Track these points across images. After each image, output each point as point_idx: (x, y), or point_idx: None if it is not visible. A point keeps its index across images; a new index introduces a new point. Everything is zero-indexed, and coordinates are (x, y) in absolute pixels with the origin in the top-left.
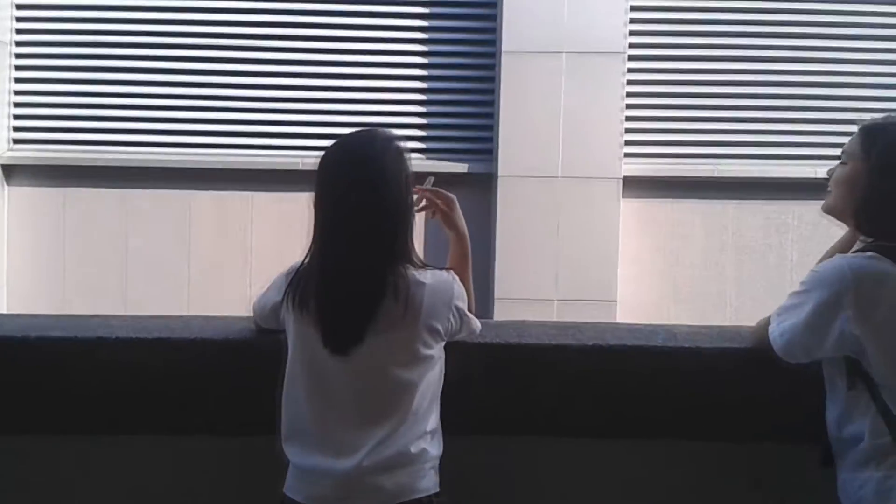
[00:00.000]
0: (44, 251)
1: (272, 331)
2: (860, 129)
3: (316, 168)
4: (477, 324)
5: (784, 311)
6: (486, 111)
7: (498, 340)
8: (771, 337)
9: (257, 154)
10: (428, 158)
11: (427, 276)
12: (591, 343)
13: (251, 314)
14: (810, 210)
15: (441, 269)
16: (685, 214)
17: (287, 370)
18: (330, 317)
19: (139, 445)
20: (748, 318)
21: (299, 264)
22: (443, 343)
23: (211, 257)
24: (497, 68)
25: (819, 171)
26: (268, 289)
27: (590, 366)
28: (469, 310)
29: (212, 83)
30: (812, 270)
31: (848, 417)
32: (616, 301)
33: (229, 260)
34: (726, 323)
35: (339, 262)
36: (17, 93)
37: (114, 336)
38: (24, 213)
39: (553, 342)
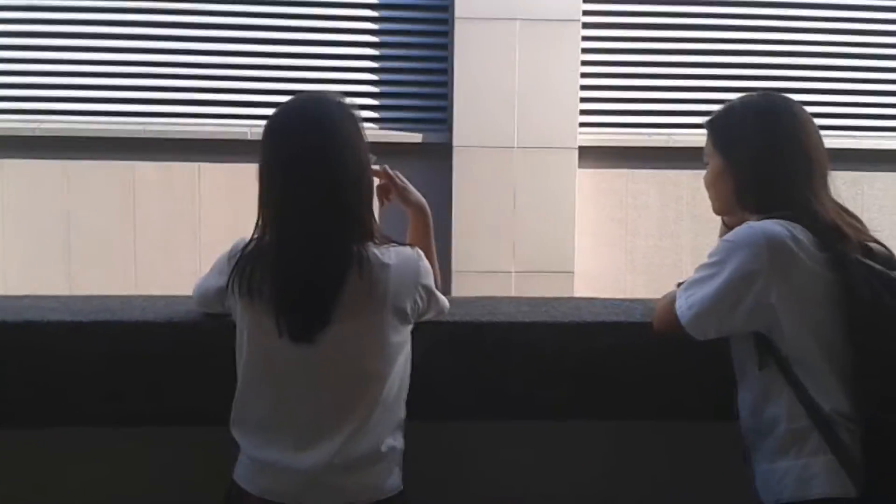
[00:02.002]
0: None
1: (218, 314)
2: (706, 127)
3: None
4: (445, 302)
5: (692, 284)
6: (441, 80)
7: (468, 318)
8: (679, 311)
9: (204, 123)
10: (381, 128)
11: (391, 256)
12: (566, 320)
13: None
14: None
15: (403, 244)
16: (641, 184)
17: (241, 357)
18: (289, 301)
19: (77, 439)
20: None
21: (244, 243)
22: (410, 326)
23: (158, 230)
24: (450, 36)
25: None
26: (209, 271)
27: (566, 344)
28: (436, 287)
29: (156, 49)
30: (722, 240)
31: (763, 401)
32: (573, 272)
33: (177, 233)
34: None
35: (295, 240)
36: None
37: (45, 319)
38: None
39: (526, 320)
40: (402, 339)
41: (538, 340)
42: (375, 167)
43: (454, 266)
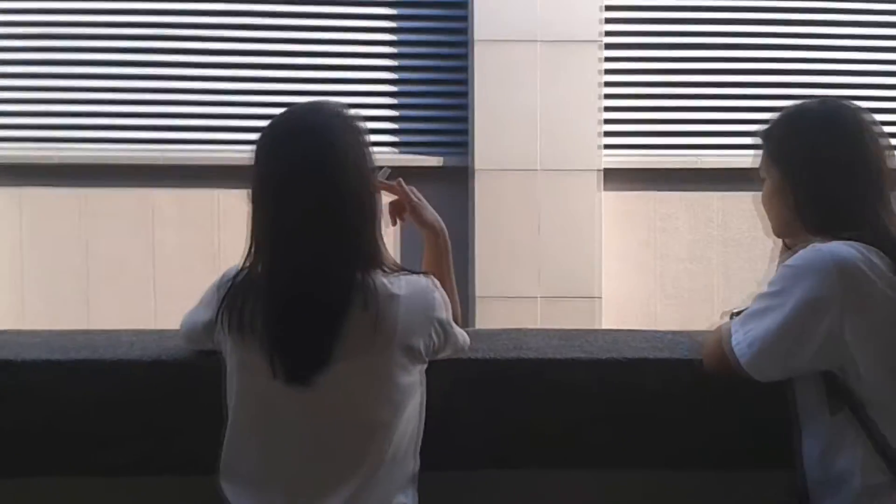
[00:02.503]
0: (0, 253)
1: (210, 351)
2: (761, 138)
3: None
4: (464, 338)
5: (751, 317)
6: (461, 102)
7: (491, 354)
8: (736, 349)
9: (222, 150)
10: (401, 152)
11: (401, 286)
12: (604, 356)
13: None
14: None
15: (417, 273)
16: (669, 207)
17: (231, 401)
18: (283, 339)
19: (54, 490)
20: None
21: (234, 273)
22: (423, 366)
23: (176, 257)
24: (470, 58)
25: None
26: (198, 303)
27: (604, 383)
28: (454, 320)
29: (173, 76)
30: (784, 266)
31: (833, 451)
32: (601, 298)
33: (196, 261)
34: (714, 317)
35: (290, 270)
36: None
37: (20, 358)
38: None
39: (558, 356)
40: (412, 382)
41: (572, 379)
42: (388, 181)
43: (476, 292)
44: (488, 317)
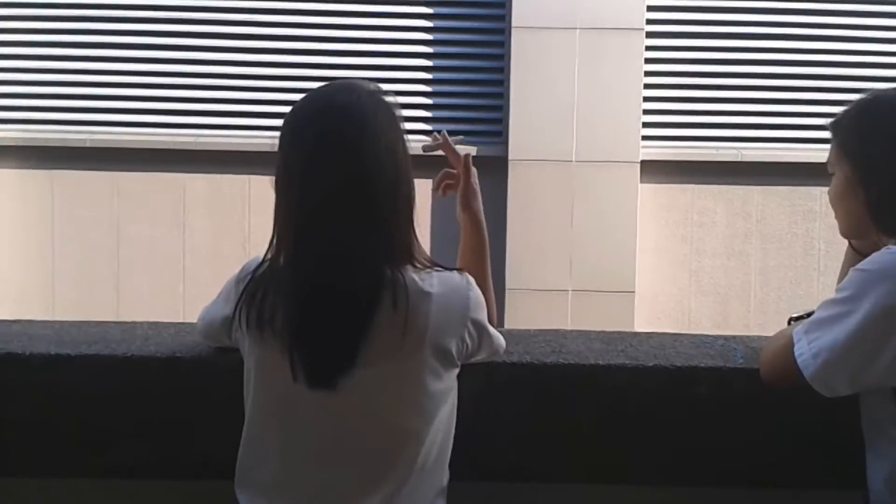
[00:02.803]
0: (32, 237)
1: (229, 348)
2: (831, 129)
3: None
4: (500, 341)
5: (817, 325)
6: (496, 91)
7: (528, 359)
8: (800, 361)
9: (254, 135)
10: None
11: (433, 283)
12: (651, 363)
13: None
14: None
15: (450, 269)
16: (707, 201)
17: (248, 403)
18: (306, 339)
19: (58, 492)
20: (773, 311)
21: (255, 265)
22: (456, 370)
23: (207, 243)
24: (507, 45)
25: None
26: (217, 297)
27: (651, 393)
28: (490, 321)
29: (206, 60)
30: (855, 270)
31: None
32: (634, 292)
33: (226, 246)
34: (750, 316)
35: (313, 261)
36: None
37: (27, 352)
38: (11, 196)
39: (601, 361)
40: (445, 388)
41: (615, 387)
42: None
43: (507, 284)
44: (519, 310)
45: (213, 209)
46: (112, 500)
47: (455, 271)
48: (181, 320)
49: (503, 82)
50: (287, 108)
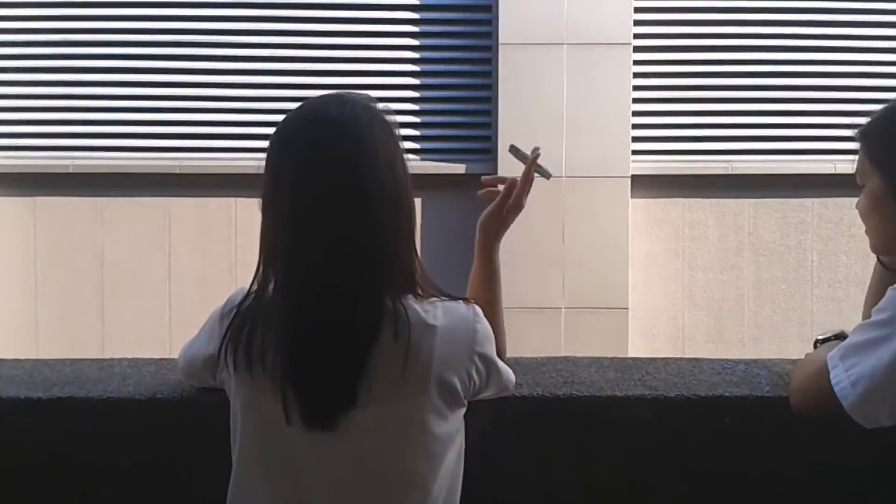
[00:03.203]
0: (15, 264)
1: (213, 388)
2: (858, 138)
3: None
4: (510, 376)
5: (854, 350)
6: (484, 108)
7: (539, 391)
8: (837, 389)
9: (240, 157)
10: (422, 159)
11: (437, 315)
12: (672, 394)
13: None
14: (830, 208)
15: (457, 298)
16: (698, 214)
17: (235, 449)
18: (301, 377)
19: None
20: (767, 325)
21: (241, 297)
22: (462, 409)
23: (193, 267)
24: (494, 62)
25: (839, 166)
26: (199, 332)
27: (671, 426)
28: (499, 354)
29: (190, 83)
30: (893, 289)
31: None
32: (628, 309)
33: (212, 270)
34: (744, 330)
35: (305, 290)
36: None
37: None
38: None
39: (617, 392)
40: (451, 429)
41: (634, 420)
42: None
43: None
44: (511, 328)
45: (198, 233)
46: None
47: (461, 301)
48: (167, 347)
49: (490, 100)
50: (271, 130)
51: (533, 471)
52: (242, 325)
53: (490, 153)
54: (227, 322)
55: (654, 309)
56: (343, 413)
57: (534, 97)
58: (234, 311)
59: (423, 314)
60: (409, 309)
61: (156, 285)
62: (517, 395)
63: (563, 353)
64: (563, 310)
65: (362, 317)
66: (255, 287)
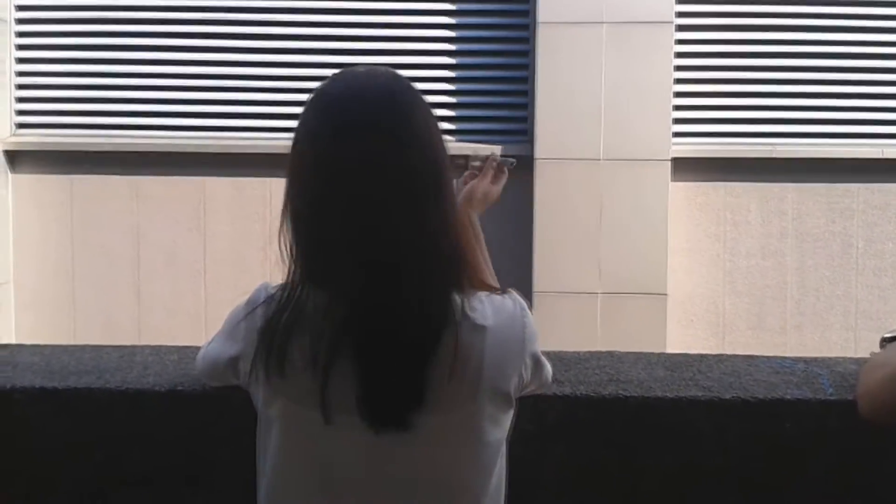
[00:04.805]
0: (51, 242)
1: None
2: None
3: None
4: (550, 369)
5: None
6: (520, 88)
7: (582, 390)
8: None
9: (276, 137)
10: (458, 140)
11: (486, 314)
12: (728, 395)
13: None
14: (877, 193)
15: (498, 292)
16: (741, 198)
17: (269, 458)
18: (364, 380)
19: None
20: (810, 312)
21: (265, 295)
22: (512, 411)
23: (228, 247)
24: (532, 41)
25: (887, 150)
26: (219, 333)
27: (726, 430)
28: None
29: (226, 61)
30: None
31: None
32: (663, 294)
33: (247, 250)
34: (786, 318)
35: (361, 293)
36: (20, 73)
37: (9, 385)
38: (30, 201)
39: (668, 393)
40: (500, 437)
41: (685, 424)
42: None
43: (535, 287)
44: (547, 313)
45: (233, 212)
46: None
47: (506, 296)
48: (202, 324)
49: (526, 80)
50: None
51: (573, 477)
52: (274, 329)
53: (524, 134)
54: (252, 325)
55: (694, 295)
56: (393, 429)
57: (573, 77)
58: (261, 313)
59: (472, 315)
60: (459, 307)
61: (191, 264)
62: (560, 394)
63: (599, 338)
64: (599, 295)
65: (419, 327)
66: (288, 288)
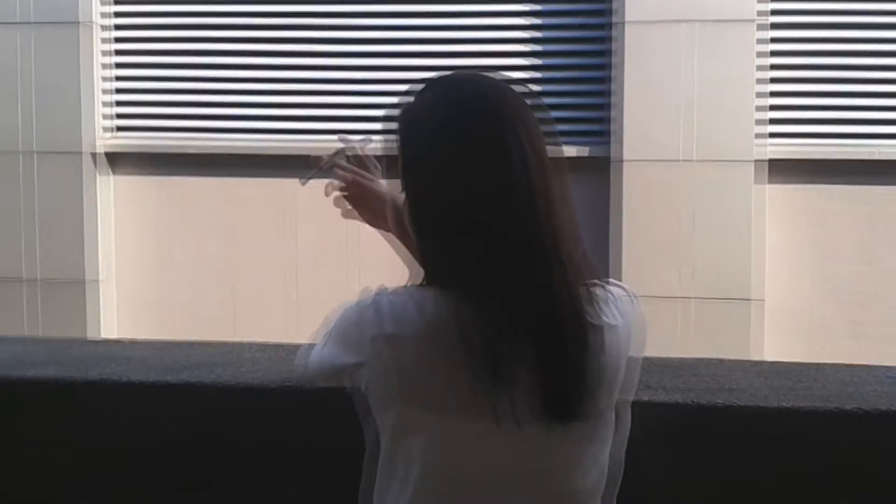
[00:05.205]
0: (149, 240)
1: None
2: None
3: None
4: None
5: None
6: (600, 88)
7: (678, 397)
8: None
9: (364, 139)
10: None
11: (613, 312)
12: (848, 406)
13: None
14: None
15: (612, 282)
16: (839, 202)
17: (412, 473)
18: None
19: None
20: None
21: (388, 304)
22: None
23: (318, 249)
24: (618, 40)
25: None
26: (328, 337)
27: (843, 445)
28: None
29: (317, 66)
30: None
31: None
32: (755, 300)
33: (336, 253)
34: (887, 327)
35: (504, 302)
36: (118, 78)
37: (121, 379)
38: (129, 201)
39: (784, 403)
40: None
41: (798, 437)
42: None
43: None
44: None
45: (323, 213)
46: None
47: (621, 289)
48: (294, 324)
49: (606, 79)
50: (408, 113)
51: (676, 489)
52: (416, 353)
53: (605, 136)
54: (378, 333)
55: (789, 301)
56: (584, 405)
57: (658, 77)
58: (390, 322)
59: (602, 308)
60: (589, 305)
61: (282, 263)
62: (655, 400)
63: (689, 344)
64: (691, 300)
65: (573, 326)
66: (413, 293)
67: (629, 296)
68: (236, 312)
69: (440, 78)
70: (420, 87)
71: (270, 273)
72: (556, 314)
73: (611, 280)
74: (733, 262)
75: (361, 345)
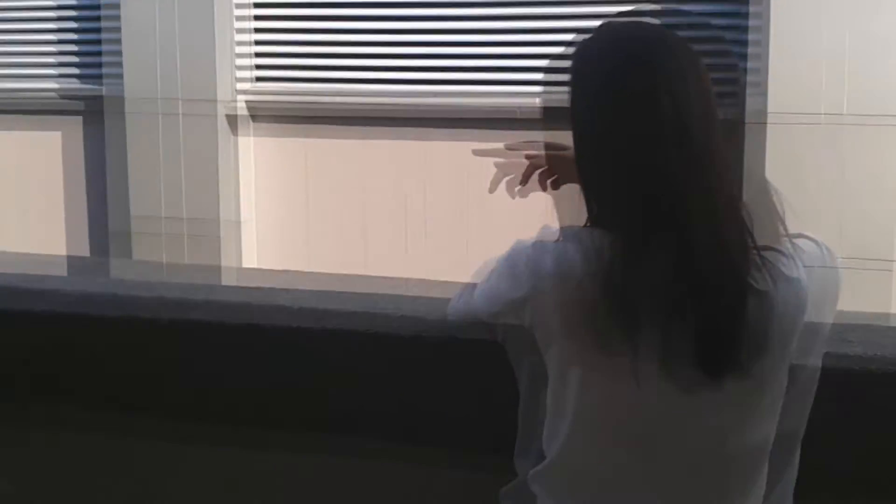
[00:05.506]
0: (288, 185)
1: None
2: None
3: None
4: None
5: None
6: (740, 38)
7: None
8: None
9: (484, 92)
10: None
11: (797, 263)
12: None
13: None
14: None
15: (806, 235)
16: None
17: (566, 415)
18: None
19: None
20: None
21: (553, 249)
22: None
23: (450, 209)
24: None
25: None
26: (494, 272)
27: None
28: None
29: (448, 16)
30: None
31: None
32: None
33: (468, 212)
34: None
35: (681, 245)
36: (257, 30)
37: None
38: (270, 148)
39: None
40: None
41: None
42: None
43: None
44: None
45: (456, 172)
46: (350, 479)
47: (814, 243)
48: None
49: (746, 29)
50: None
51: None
52: (582, 295)
53: (734, 96)
54: (543, 269)
55: None
56: (749, 361)
57: (809, 27)
58: (552, 258)
59: (781, 259)
60: (769, 254)
61: (415, 223)
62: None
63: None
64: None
65: (738, 276)
66: (581, 235)
67: (821, 250)
68: (370, 262)
69: (603, 26)
70: (583, 37)
71: (401, 233)
72: (715, 268)
73: (804, 233)
74: (888, 227)
75: (528, 280)
